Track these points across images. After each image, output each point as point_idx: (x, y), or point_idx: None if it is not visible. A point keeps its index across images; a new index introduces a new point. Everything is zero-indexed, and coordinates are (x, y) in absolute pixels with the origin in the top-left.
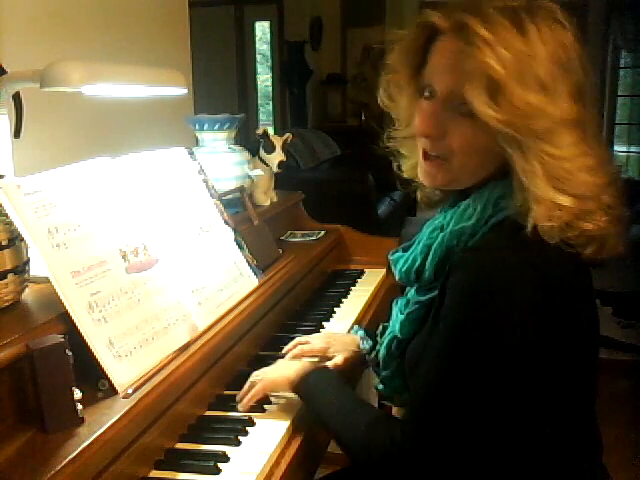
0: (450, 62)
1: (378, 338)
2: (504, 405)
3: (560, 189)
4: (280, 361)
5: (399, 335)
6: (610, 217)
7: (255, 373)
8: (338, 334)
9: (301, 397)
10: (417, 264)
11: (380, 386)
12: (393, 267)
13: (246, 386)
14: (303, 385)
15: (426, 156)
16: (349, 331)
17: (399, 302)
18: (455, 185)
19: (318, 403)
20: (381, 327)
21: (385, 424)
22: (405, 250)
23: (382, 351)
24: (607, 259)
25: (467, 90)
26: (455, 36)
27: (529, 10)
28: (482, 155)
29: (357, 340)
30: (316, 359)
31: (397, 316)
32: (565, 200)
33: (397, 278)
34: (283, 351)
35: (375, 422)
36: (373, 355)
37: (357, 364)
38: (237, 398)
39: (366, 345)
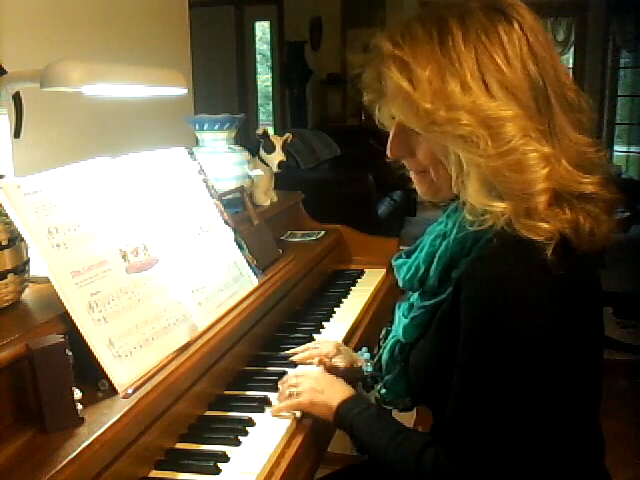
0: (381, 87)
1: (381, 342)
2: (537, 409)
3: (492, 194)
4: (321, 376)
5: (402, 339)
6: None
7: (298, 373)
8: (349, 348)
9: (344, 429)
10: (421, 272)
11: (383, 390)
12: (396, 273)
13: (288, 380)
14: (346, 419)
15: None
16: (356, 350)
17: (402, 306)
18: (443, 195)
19: (366, 435)
20: (384, 331)
21: (431, 450)
22: (408, 256)
23: (385, 355)
24: (607, 259)
25: (393, 109)
26: (377, 60)
27: (464, 13)
28: (451, 164)
29: (361, 360)
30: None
31: (400, 320)
32: (499, 205)
33: (400, 285)
34: (291, 351)
35: (421, 449)
36: (375, 359)
37: (353, 379)
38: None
39: (368, 368)
